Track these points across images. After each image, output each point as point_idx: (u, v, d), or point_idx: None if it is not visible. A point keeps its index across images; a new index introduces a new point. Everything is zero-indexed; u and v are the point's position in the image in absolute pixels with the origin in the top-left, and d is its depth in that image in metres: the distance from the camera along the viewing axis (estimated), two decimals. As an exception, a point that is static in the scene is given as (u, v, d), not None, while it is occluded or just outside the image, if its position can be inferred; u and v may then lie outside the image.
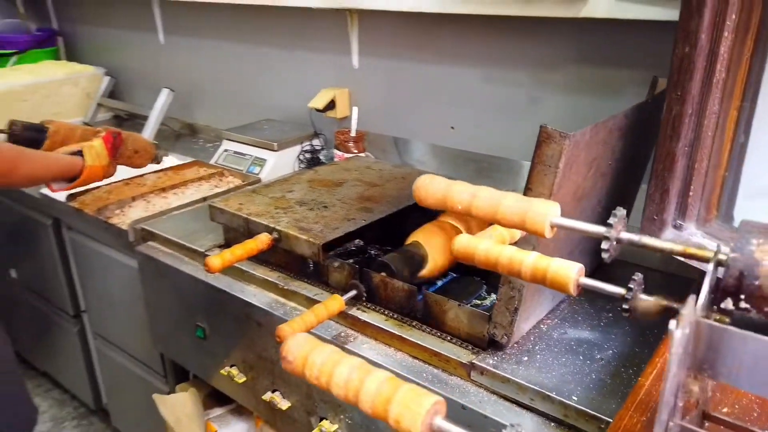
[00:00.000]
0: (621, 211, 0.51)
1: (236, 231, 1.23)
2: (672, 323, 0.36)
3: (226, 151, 1.88)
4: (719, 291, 0.45)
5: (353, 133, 1.70)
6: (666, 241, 0.51)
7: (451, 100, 1.63)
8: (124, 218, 1.50)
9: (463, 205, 0.57)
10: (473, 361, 0.90)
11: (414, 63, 1.67)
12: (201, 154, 2.07)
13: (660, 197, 0.84)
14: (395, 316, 1.04)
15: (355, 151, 1.69)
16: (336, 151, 1.72)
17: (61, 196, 1.61)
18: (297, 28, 1.88)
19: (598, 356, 0.91)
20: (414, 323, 1.02)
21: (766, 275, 0.43)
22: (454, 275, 1.16)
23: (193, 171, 1.85)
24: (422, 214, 1.15)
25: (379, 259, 1.10)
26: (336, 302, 1.00)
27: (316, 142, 1.86)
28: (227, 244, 1.27)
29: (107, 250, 1.59)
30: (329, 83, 1.85)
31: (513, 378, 0.86)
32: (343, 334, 1.05)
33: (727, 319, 0.46)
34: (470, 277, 1.15)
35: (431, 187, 0.59)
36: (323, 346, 0.50)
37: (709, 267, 0.45)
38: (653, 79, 1.09)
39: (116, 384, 1.91)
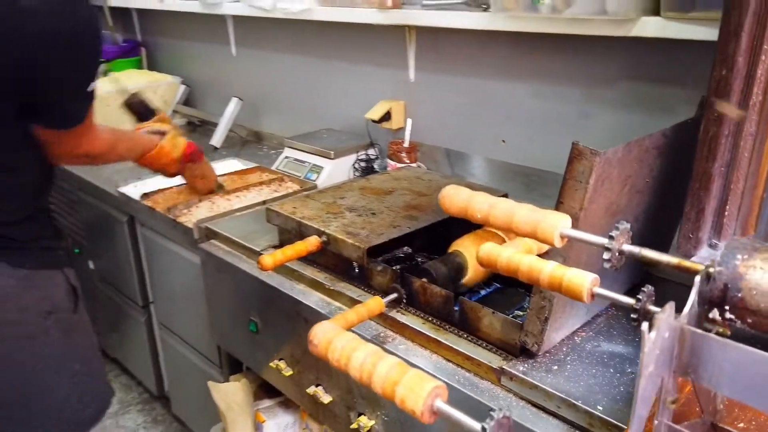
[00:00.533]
0: (624, 225, 0.55)
1: (290, 233, 1.32)
2: (644, 325, 0.40)
3: (287, 158, 1.98)
4: (707, 302, 0.48)
5: (406, 144, 1.76)
6: (663, 255, 0.53)
7: (503, 115, 1.67)
8: (191, 217, 1.62)
9: (482, 214, 0.62)
10: (503, 367, 0.94)
11: (467, 78, 1.71)
12: (264, 160, 2.19)
13: (696, 216, 0.86)
14: (432, 320, 1.09)
15: (408, 162, 1.75)
16: (389, 161, 1.79)
17: (135, 194, 1.76)
18: (358, 43, 1.97)
19: (629, 370, 0.92)
20: (450, 328, 1.06)
21: (748, 288, 0.45)
22: (498, 286, 1.20)
23: (256, 176, 1.96)
24: (467, 224, 1.19)
25: (421, 265, 1.16)
26: (376, 304, 1.06)
27: (371, 151, 1.93)
28: (281, 245, 1.36)
29: (174, 246, 1.71)
30: (386, 96, 1.92)
31: (541, 385, 0.89)
32: (382, 334, 1.10)
33: (728, 332, 0.48)
34: (514, 288, 1.18)
35: (455, 198, 0.64)
36: (344, 333, 0.56)
37: (697, 279, 0.48)
38: (701, 99, 1.09)
39: (177, 372, 2.04)
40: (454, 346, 1.02)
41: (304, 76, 2.23)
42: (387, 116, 1.89)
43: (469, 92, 1.73)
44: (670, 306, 0.43)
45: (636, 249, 0.55)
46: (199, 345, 1.80)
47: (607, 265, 0.56)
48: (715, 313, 0.47)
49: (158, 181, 1.79)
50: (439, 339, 1.04)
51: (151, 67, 2.97)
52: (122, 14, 2.96)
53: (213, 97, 2.68)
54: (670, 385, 0.45)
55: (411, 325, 1.08)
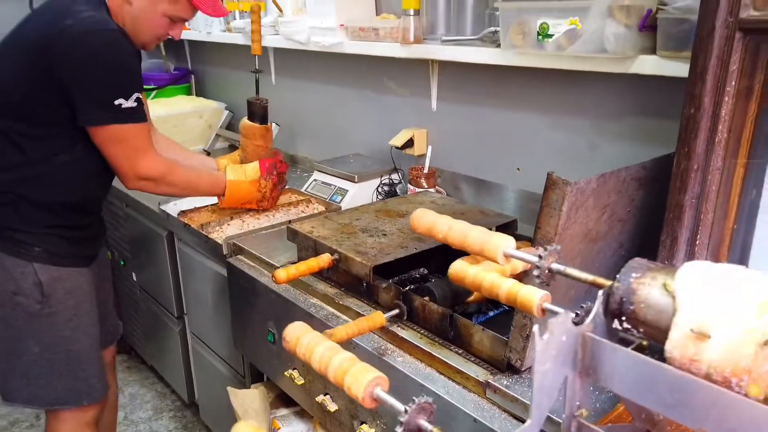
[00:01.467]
0: (553, 247, 0.62)
1: (307, 250, 1.42)
2: (536, 327, 0.47)
3: (315, 180, 2.10)
4: (609, 314, 0.54)
5: (426, 170, 1.85)
6: (582, 273, 0.59)
7: (518, 144, 1.74)
8: (222, 233, 1.75)
9: (442, 234, 0.70)
10: (489, 381, 1.00)
11: (486, 108, 1.80)
12: (297, 182, 2.31)
13: (670, 244, 0.91)
14: (429, 335, 1.16)
15: (426, 187, 1.83)
16: (409, 186, 1.88)
17: (173, 211, 1.91)
18: (387, 73, 2.08)
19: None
20: (444, 343, 1.13)
21: (638, 302, 0.52)
22: (507, 308, 1.26)
23: (286, 197, 2.08)
24: None
25: (424, 284, 1.24)
26: (378, 318, 1.14)
27: (394, 176, 2.03)
28: (299, 262, 1.46)
29: (206, 261, 1.84)
30: (410, 124, 2.02)
31: (521, 398, 0.95)
32: (382, 347, 1.18)
33: (645, 343, 0.55)
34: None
35: (422, 219, 0.73)
36: (311, 332, 0.65)
37: (600, 293, 0.54)
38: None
39: (206, 381, 2.16)
40: (447, 360, 1.09)
41: (336, 104, 2.36)
42: (410, 143, 1.98)
43: (486, 122, 1.81)
44: (566, 314, 0.50)
45: (562, 267, 0.62)
46: (225, 354, 1.91)
47: (537, 281, 0.63)
48: (617, 324, 0.53)
49: (196, 200, 1.93)
50: (433, 353, 1.11)
51: (199, 93, 3.17)
52: (175, 45, 3.18)
53: (253, 123, 2.84)
54: (578, 385, 0.51)
55: (409, 340, 1.16)
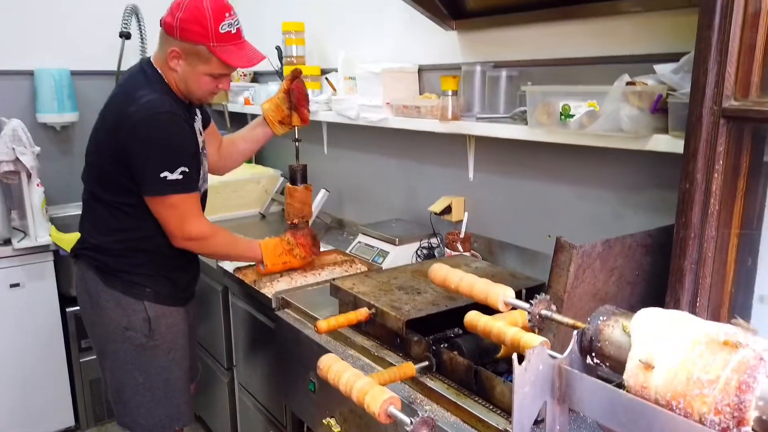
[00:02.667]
0: (543, 296, 0.72)
1: (347, 305, 1.55)
2: (514, 356, 0.58)
3: (359, 242, 2.26)
4: (582, 351, 0.64)
5: (462, 235, 1.97)
6: (565, 317, 0.69)
7: (549, 212, 1.85)
8: (272, 289, 1.91)
9: (454, 284, 0.82)
10: (507, 429, 1.08)
11: (518, 179, 1.93)
12: (343, 244, 2.47)
13: (674, 305, 0.99)
14: (456, 386, 1.25)
15: (462, 250, 1.95)
16: (446, 249, 2.00)
17: (230, 267, 2.09)
18: (427, 146, 2.26)
19: (620, 442, 1.04)
20: (469, 394, 1.22)
21: (604, 340, 0.61)
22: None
23: (332, 257, 2.24)
24: None
25: (454, 339, 1.34)
26: (408, 368, 1.25)
27: (433, 240, 2.16)
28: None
29: (256, 314, 2.00)
30: (448, 191, 2.17)
31: (536, 446, 1.03)
32: (412, 396, 1.28)
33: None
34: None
35: (438, 272, 0.85)
36: (339, 362, 0.77)
37: (574, 333, 0.65)
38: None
39: (250, 430, 2.26)
40: (471, 410, 1.17)
41: (381, 172, 2.54)
42: (448, 209, 2.12)
43: (519, 191, 1.94)
44: (542, 346, 0.60)
45: (549, 313, 0.72)
46: (269, 405, 2.02)
47: (530, 325, 0.73)
48: (589, 359, 0.63)
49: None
50: (458, 403, 1.20)
51: (258, 161, 3.44)
52: (239, 117, 3.50)
53: (305, 188, 3.06)
54: (557, 410, 0.60)
55: (437, 390, 1.25)
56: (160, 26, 1.65)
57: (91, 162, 1.75)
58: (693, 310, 0.98)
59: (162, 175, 1.60)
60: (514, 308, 0.91)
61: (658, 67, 1.34)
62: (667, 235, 1.10)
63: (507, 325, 0.80)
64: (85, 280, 1.78)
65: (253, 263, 2.03)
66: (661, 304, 1.21)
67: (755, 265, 0.97)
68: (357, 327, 1.45)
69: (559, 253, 0.96)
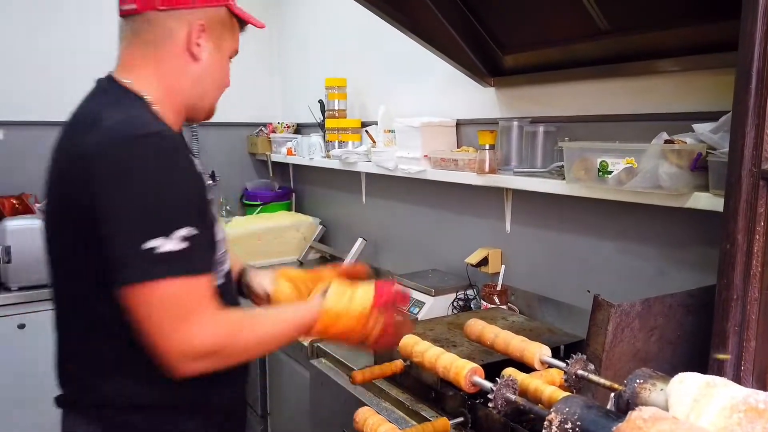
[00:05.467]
0: (579, 356, 0.72)
1: (382, 357, 1.55)
2: (549, 417, 0.58)
3: (395, 293, 2.27)
4: (620, 411, 0.63)
5: (498, 287, 1.97)
6: (600, 378, 0.68)
7: (588, 267, 1.83)
8: (307, 336, 1.92)
9: (490, 341, 0.82)
10: (544, 491, 1.06)
11: (556, 232, 1.93)
12: (379, 293, 2.49)
13: (717, 368, 0.97)
14: (491, 444, 1.23)
15: (498, 303, 1.94)
16: (482, 302, 2.00)
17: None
18: (464, 198, 2.29)
19: None
20: (505, 452, 1.20)
21: (642, 403, 0.61)
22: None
23: (368, 307, 2.25)
24: None
25: (487, 395, 1.32)
26: (443, 424, 1.23)
27: (469, 292, 2.16)
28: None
29: (292, 363, 2.01)
30: (485, 243, 2.18)
31: None
32: (447, 452, 1.26)
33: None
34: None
35: (473, 328, 0.86)
36: (376, 416, 0.77)
37: (612, 395, 0.64)
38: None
39: (282, 481, 2.24)
40: (506, 468, 1.15)
41: (418, 222, 2.57)
42: (485, 261, 2.12)
43: (557, 245, 1.93)
44: (575, 399, 0.60)
45: (585, 373, 0.72)
46: (302, 454, 2.01)
47: (566, 384, 0.73)
48: None
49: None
50: (493, 461, 1.18)
51: (298, 209, 3.53)
52: (282, 167, 3.61)
53: (343, 236, 3.12)
54: None
55: (472, 447, 1.24)
56: (143, 10, 1.04)
57: (58, 257, 1.07)
58: (737, 374, 0.95)
59: (148, 245, 0.91)
60: (550, 366, 0.91)
61: (697, 126, 1.34)
62: (709, 295, 1.08)
63: (544, 383, 0.79)
64: None
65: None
66: (705, 365, 1.18)
67: (802, 329, 0.94)
68: (392, 378, 1.45)
69: (597, 311, 0.96)
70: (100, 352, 1.04)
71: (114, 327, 1.00)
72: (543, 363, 0.77)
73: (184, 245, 0.93)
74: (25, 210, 2.79)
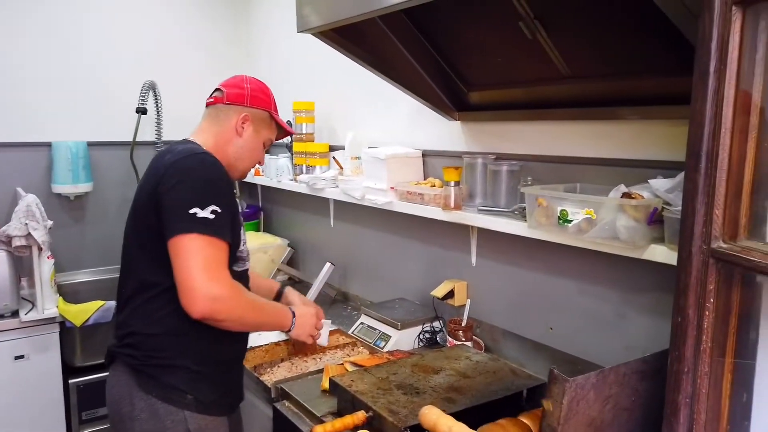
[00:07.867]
0: None
1: (345, 402, 1.54)
2: None
3: (362, 324, 2.26)
4: None
5: (464, 324, 1.97)
6: None
7: (551, 305, 1.85)
8: (272, 376, 1.90)
9: (443, 434, 0.82)
10: None
11: (521, 269, 1.94)
12: (346, 320, 2.47)
13: (670, 438, 0.98)
14: (452, 502, 1.23)
15: (463, 339, 1.95)
16: (448, 337, 2.00)
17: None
18: (431, 229, 2.28)
19: None
20: None
21: None
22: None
23: (334, 338, 2.24)
24: (505, 407, 1.36)
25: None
26: (404, 481, 1.23)
27: (435, 324, 2.16)
28: (338, 413, 1.58)
29: (256, 401, 1.98)
30: (451, 274, 2.18)
31: None
32: None
33: None
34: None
35: (428, 416, 0.85)
36: None
37: None
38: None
39: None
40: None
41: (386, 249, 2.57)
42: (451, 294, 2.13)
43: (521, 281, 1.94)
44: None
45: None
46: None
47: None
48: None
49: (254, 339, 2.11)
50: None
51: (266, 229, 3.49)
52: (250, 186, 3.56)
53: (311, 260, 3.09)
54: None
55: (432, 505, 1.23)
56: (217, 102, 1.63)
57: (131, 243, 1.57)
58: (689, 446, 0.97)
59: (191, 210, 1.38)
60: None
61: (653, 183, 1.36)
62: (662, 359, 1.10)
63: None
64: (119, 385, 1.54)
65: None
66: (659, 428, 1.20)
67: (750, 401, 0.96)
68: (352, 430, 1.44)
69: (552, 384, 0.96)
70: (141, 310, 1.53)
71: (161, 295, 1.49)
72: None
73: (213, 216, 1.41)
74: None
